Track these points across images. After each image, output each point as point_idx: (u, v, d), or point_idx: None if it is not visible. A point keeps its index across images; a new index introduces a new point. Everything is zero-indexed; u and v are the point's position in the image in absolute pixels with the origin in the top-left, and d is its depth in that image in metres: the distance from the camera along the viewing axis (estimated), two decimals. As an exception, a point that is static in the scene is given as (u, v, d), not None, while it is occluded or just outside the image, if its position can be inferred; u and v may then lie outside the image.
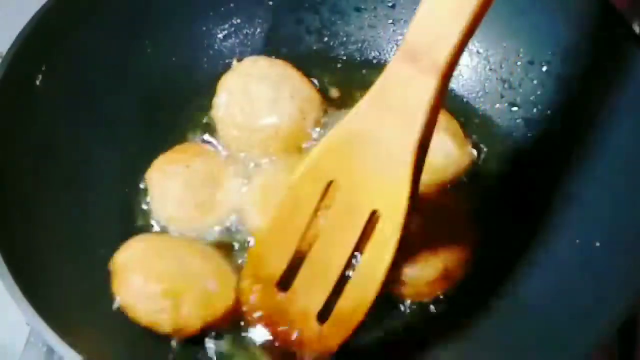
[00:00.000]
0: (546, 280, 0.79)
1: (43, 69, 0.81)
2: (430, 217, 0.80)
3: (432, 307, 0.80)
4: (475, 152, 0.89)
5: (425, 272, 0.79)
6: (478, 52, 0.93)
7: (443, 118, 0.87)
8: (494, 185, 0.88)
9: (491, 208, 0.86)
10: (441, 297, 0.80)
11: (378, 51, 0.97)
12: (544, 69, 0.88)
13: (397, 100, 0.67)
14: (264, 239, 0.76)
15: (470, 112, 0.92)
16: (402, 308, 0.80)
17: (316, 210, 0.73)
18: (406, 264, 0.79)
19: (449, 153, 0.86)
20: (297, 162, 0.79)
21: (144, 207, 0.86)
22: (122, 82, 0.88)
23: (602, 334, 0.68)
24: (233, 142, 0.89)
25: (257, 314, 0.77)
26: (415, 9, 0.93)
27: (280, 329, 0.76)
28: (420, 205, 0.73)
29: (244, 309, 0.77)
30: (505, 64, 0.91)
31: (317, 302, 0.74)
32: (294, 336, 0.75)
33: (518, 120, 0.90)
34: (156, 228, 0.85)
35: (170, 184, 0.85)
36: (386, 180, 0.69)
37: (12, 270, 0.68)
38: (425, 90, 0.66)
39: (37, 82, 0.81)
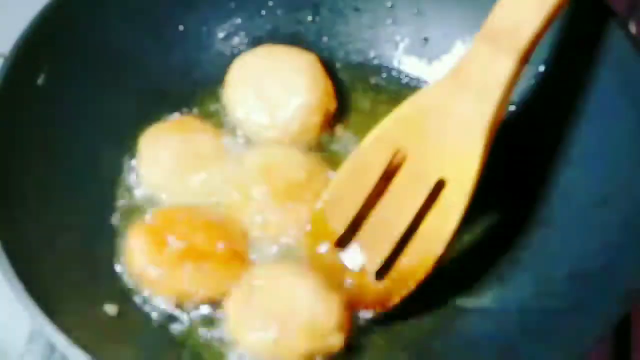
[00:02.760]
0: (542, 279, 0.79)
1: (45, 68, 0.81)
2: None
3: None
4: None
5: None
6: (477, 52, 0.93)
7: None
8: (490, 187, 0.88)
9: (486, 209, 0.86)
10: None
11: (378, 51, 0.97)
12: (542, 68, 0.88)
13: (475, 77, 0.73)
14: (329, 201, 0.79)
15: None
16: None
17: (381, 176, 0.77)
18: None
19: None
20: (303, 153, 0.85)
21: (146, 206, 0.86)
22: (123, 82, 0.88)
23: (598, 333, 0.68)
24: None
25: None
26: (414, 9, 0.95)
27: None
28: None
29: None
30: (503, 63, 0.91)
31: (376, 261, 0.77)
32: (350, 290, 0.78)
33: (516, 120, 0.91)
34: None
35: (162, 152, 0.85)
36: (457, 152, 0.75)
37: (15, 269, 0.69)
38: (504, 69, 0.72)
39: (39, 82, 0.81)
